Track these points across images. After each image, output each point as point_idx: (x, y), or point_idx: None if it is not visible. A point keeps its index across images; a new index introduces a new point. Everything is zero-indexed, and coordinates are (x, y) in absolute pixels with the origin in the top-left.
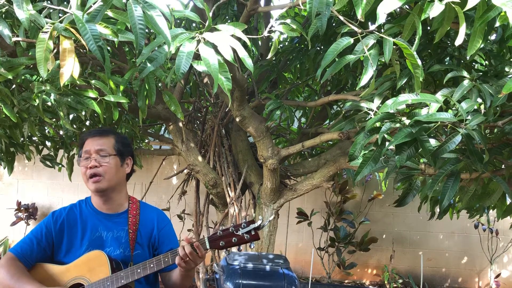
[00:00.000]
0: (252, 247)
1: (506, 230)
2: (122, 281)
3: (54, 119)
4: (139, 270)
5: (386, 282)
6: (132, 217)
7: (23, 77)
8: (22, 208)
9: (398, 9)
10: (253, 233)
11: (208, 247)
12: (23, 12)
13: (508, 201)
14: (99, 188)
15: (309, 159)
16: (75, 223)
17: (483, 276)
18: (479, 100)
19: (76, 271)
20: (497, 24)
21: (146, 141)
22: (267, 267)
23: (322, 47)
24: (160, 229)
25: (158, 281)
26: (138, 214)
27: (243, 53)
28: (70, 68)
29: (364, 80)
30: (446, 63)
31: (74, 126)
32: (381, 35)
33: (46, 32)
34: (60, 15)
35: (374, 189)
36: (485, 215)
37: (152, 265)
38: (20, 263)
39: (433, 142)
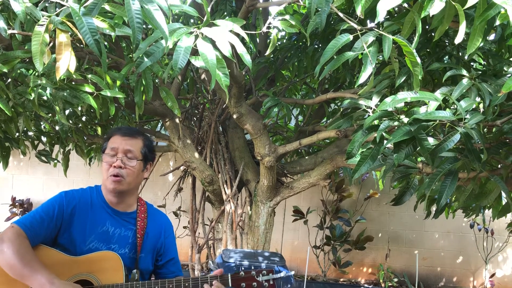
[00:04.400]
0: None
1: (502, 230)
2: None
3: (49, 114)
4: (156, 287)
5: (381, 281)
6: (141, 221)
7: (18, 71)
8: (16, 204)
9: (396, 8)
10: (271, 282)
11: (230, 285)
12: (18, 5)
13: (504, 201)
14: (118, 189)
15: (306, 157)
16: (86, 210)
17: (478, 276)
18: (478, 99)
19: (85, 267)
20: (497, 22)
21: None
22: (263, 265)
23: (320, 45)
24: (167, 235)
25: None
26: (146, 217)
27: (241, 49)
28: (66, 62)
29: (363, 77)
30: (445, 62)
31: (70, 121)
32: (381, 32)
33: (42, 25)
34: (56, 8)
35: (370, 187)
36: (480, 214)
37: (171, 286)
38: (28, 242)
39: (431, 140)
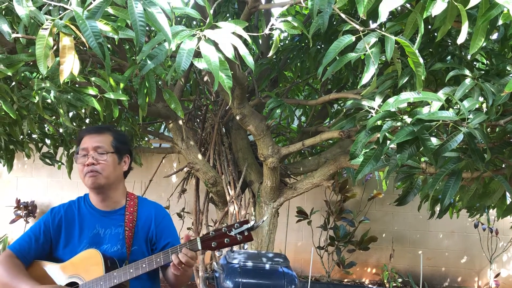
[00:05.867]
0: (245, 248)
1: (506, 230)
2: (115, 280)
3: (53, 117)
4: (131, 270)
5: (385, 281)
6: (129, 214)
7: (22, 74)
8: (21, 206)
9: (399, 8)
10: (246, 233)
11: (199, 248)
12: (23, 9)
13: (508, 200)
14: (96, 183)
15: (309, 158)
16: (73, 220)
17: (482, 276)
18: (481, 98)
19: (72, 270)
20: (500, 22)
21: (146, 139)
22: (267, 266)
23: (322, 46)
24: (157, 223)
25: (159, 276)
26: (136, 210)
27: (244, 51)
28: (70, 65)
29: (366, 78)
30: (448, 62)
31: (74, 124)
32: (383, 33)
33: (46, 28)
34: (60, 11)
35: (374, 188)
36: (485, 214)
37: (144, 265)
38: (17, 260)
39: (434, 140)
